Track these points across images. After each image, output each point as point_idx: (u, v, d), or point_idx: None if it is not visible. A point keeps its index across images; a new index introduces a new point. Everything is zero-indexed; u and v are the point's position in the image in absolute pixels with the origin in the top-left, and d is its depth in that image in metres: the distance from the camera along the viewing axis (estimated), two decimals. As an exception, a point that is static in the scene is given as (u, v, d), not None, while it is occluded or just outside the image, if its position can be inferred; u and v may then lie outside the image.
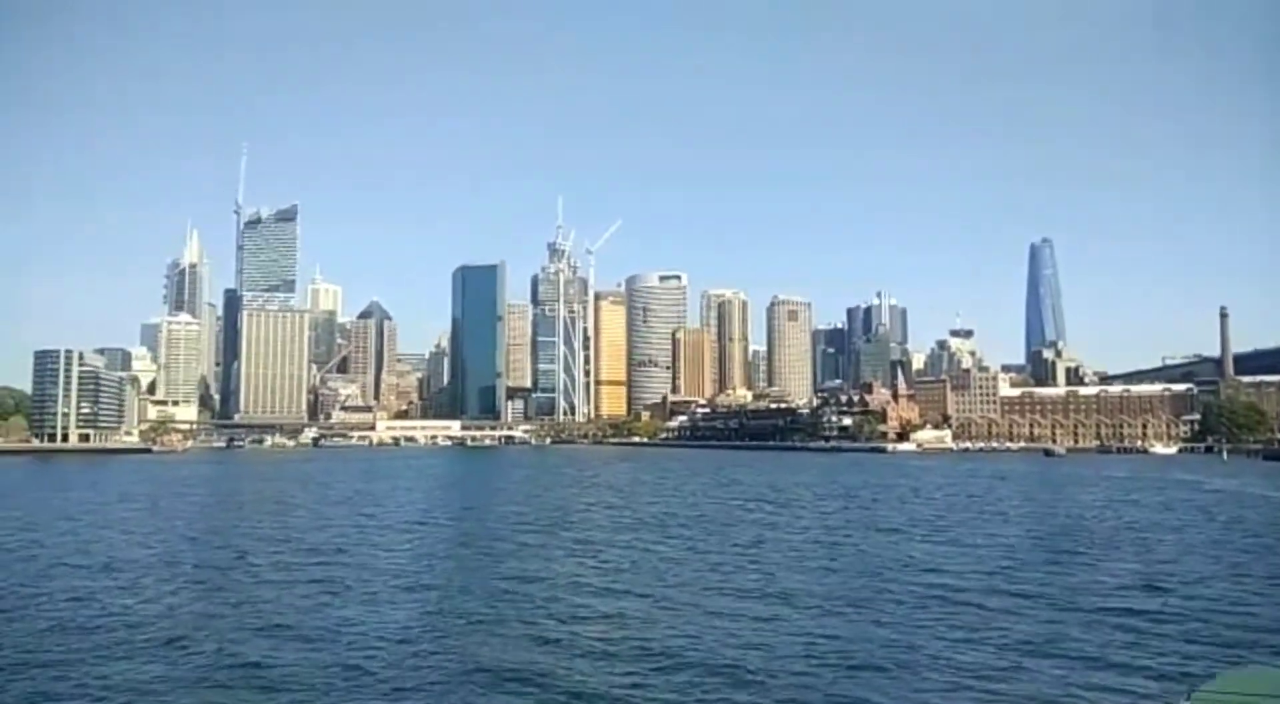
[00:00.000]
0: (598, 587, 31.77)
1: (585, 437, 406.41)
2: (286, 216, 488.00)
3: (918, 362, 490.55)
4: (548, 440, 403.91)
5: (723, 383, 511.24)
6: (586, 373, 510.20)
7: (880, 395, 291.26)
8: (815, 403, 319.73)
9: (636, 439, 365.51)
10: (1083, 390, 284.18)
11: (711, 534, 48.09)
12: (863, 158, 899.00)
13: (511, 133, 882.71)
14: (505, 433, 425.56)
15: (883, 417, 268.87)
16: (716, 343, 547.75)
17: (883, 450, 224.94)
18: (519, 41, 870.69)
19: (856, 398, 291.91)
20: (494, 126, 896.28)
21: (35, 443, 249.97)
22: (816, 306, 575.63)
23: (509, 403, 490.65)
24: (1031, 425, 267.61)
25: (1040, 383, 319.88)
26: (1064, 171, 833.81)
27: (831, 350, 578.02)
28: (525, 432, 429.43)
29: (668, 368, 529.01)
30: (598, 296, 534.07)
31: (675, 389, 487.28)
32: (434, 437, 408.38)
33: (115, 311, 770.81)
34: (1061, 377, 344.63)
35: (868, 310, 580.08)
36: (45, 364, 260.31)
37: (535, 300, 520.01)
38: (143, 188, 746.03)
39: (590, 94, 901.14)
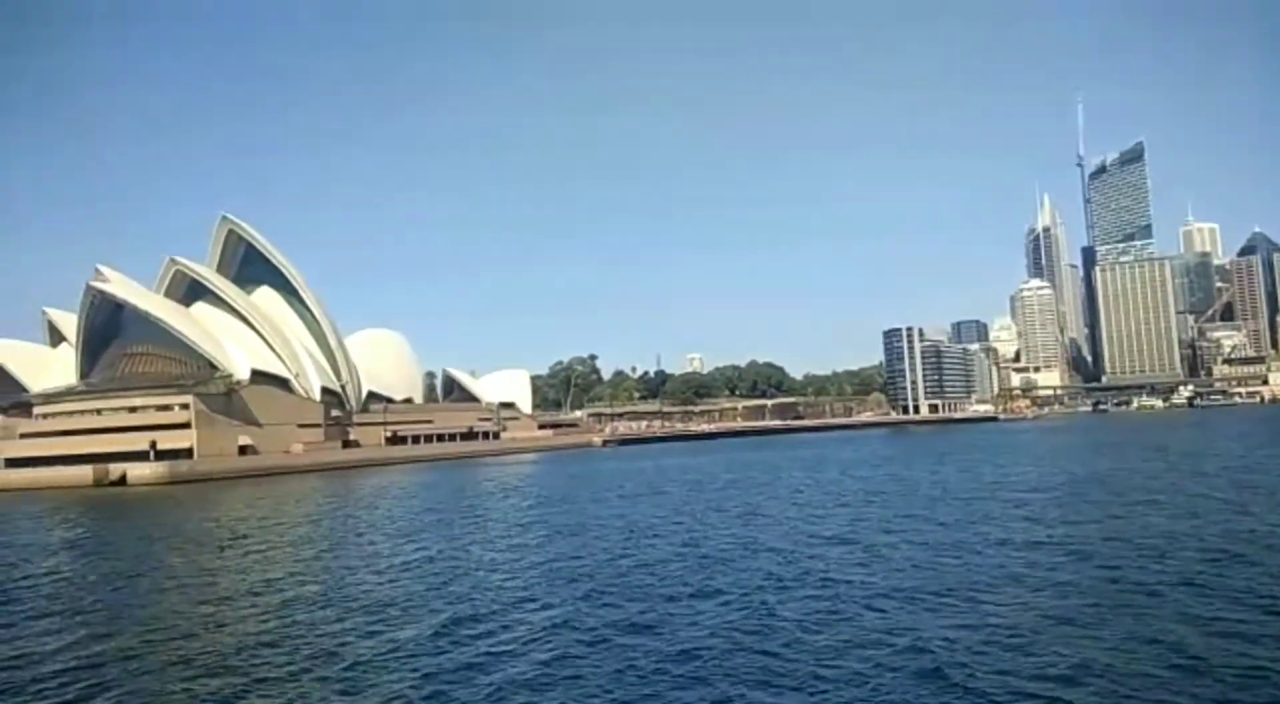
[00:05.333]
0: None
1: None
2: (1131, 158, 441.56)
3: None
4: None
5: None
6: None
7: None
8: None
9: None
10: None
11: None
12: None
13: None
14: None
15: None
16: None
17: None
18: None
19: None
20: None
21: (892, 415, 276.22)
22: None
23: None
24: None
25: None
26: None
27: None
28: None
29: None
30: None
31: None
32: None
33: (982, 284, 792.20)
34: None
35: None
36: (891, 342, 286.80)
37: None
38: (994, 154, 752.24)
39: None
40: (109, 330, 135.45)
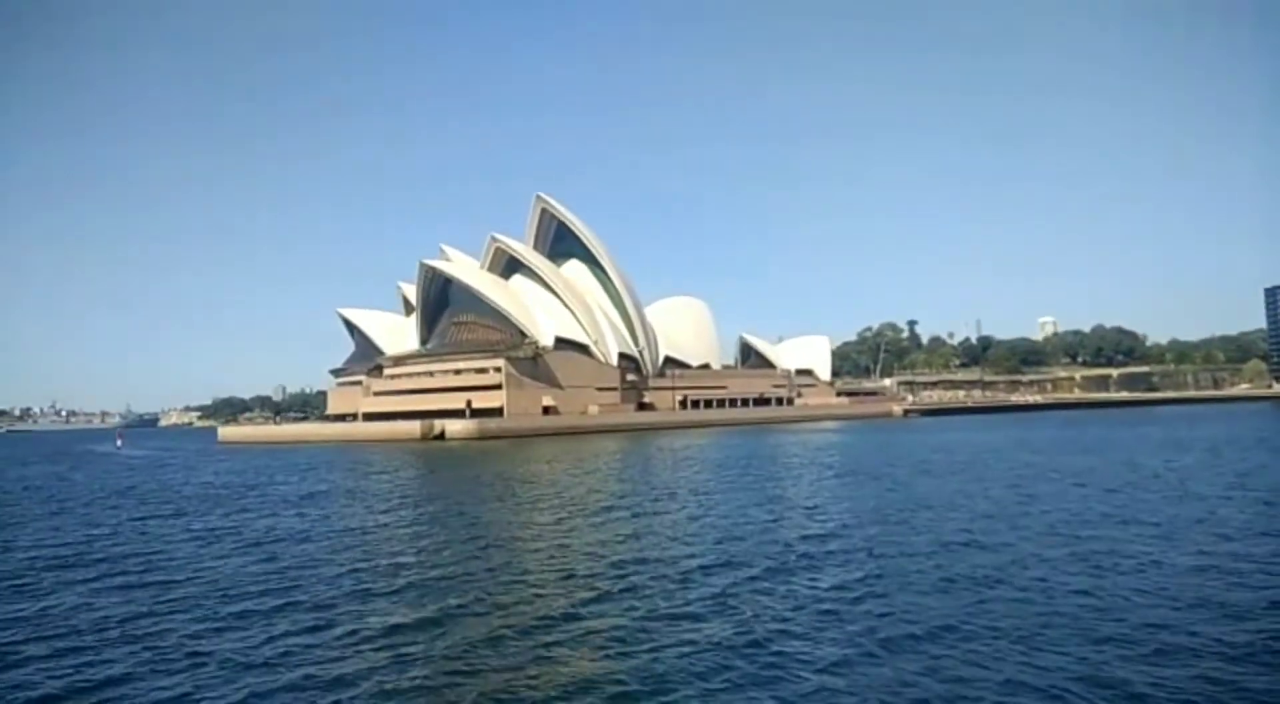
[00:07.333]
0: None
1: None
2: None
3: None
4: None
5: None
6: None
7: None
8: None
9: None
10: None
11: None
12: None
13: None
14: None
15: None
16: None
17: None
18: None
19: None
20: None
21: (1275, 387, 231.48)
22: None
23: None
24: None
25: None
26: None
27: None
28: None
29: None
30: None
31: None
32: None
33: None
34: None
35: None
36: (1275, 300, 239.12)
37: None
38: None
39: None
40: (442, 301, 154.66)
